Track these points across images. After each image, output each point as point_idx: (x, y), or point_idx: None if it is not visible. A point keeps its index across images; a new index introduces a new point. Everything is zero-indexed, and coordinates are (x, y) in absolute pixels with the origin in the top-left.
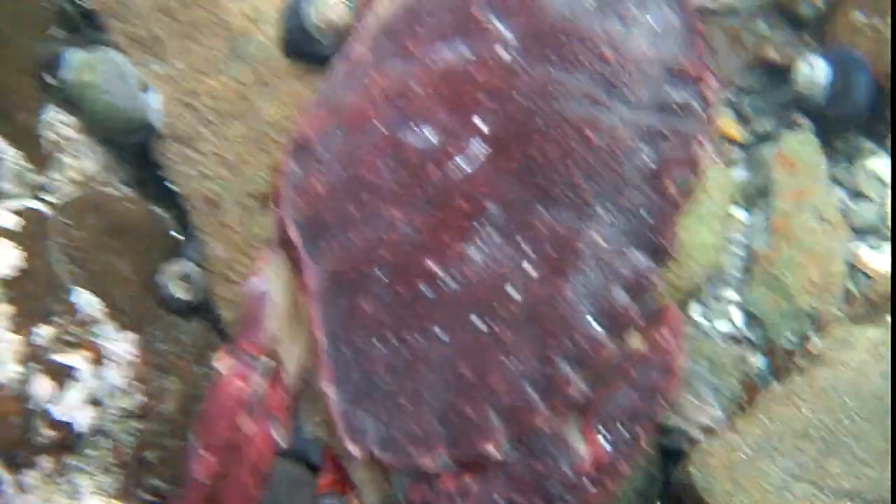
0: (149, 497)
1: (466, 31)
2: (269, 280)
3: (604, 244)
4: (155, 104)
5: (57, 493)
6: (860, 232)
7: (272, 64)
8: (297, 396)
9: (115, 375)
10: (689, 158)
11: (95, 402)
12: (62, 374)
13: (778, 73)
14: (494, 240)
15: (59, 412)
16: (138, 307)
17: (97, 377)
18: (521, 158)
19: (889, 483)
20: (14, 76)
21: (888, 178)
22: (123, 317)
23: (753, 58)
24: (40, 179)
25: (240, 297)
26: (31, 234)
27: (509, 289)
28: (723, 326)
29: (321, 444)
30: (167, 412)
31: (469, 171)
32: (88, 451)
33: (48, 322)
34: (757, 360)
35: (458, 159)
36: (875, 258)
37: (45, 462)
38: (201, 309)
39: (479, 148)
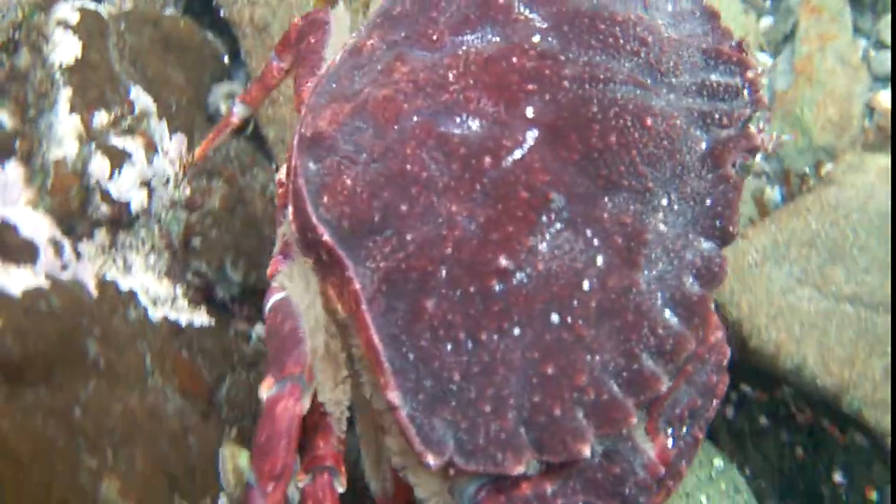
0: (193, 278)
1: (494, 20)
2: (289, 293)
3: (670, 232)
4: None
5: (111, 266)
6: (879, 80)
7: None
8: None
9: (167, 166)
10: (745, 140)
11: (148, 187)
12: (119, 157)
13: None
14: (562, 232)
15: (115, 190)
16: (189, 115)
17: (150, 164)
18: (580, 147)
19: (889, 289)
20: None
21: None
22: (175, 121)
23: None
24: None
25: (278, 231)
26: (90, 31)
27: (584, 282)
28: None
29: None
30: (212, 208)
31: (527, 161)
32: (141, 232)
33: (108, 109)
34: (774, 193)
35: (513, 150)
36: (892, 100)
37: (101, 236)
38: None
39: (534, 137)
